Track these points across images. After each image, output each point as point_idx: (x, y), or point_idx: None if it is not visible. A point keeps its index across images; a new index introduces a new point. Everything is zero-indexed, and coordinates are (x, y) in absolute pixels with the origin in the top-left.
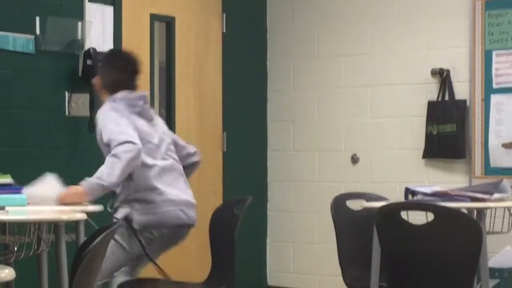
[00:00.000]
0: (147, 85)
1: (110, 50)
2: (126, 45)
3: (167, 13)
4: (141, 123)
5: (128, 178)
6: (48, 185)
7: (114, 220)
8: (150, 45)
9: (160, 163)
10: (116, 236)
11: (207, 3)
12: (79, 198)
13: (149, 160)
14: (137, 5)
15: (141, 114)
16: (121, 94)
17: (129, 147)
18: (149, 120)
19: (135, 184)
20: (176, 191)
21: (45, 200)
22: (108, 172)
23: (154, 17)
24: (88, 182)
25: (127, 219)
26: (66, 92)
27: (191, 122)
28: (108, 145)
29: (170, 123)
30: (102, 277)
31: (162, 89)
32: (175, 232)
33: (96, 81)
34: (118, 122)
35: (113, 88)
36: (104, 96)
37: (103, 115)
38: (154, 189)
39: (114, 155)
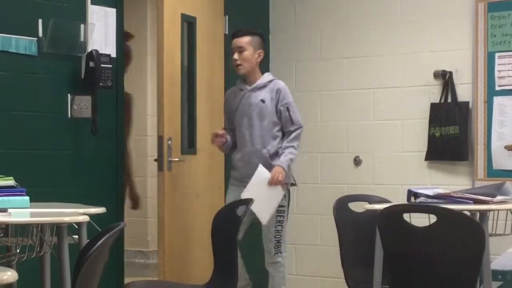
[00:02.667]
0: (178, 86)
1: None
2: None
3: (188, 12)
4: None
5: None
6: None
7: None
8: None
9: None
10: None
11: (210, 4)
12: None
13: None
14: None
15: None
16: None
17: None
18: None
19: None
20: None
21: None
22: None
23: (183, 17)
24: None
25: None
26: (69, 94)
27: (206, 121)
28: (290, 122)
29: (192, 122)
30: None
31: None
32: None
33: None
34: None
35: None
36: (256, 70)
37: (289, 93)
38: None
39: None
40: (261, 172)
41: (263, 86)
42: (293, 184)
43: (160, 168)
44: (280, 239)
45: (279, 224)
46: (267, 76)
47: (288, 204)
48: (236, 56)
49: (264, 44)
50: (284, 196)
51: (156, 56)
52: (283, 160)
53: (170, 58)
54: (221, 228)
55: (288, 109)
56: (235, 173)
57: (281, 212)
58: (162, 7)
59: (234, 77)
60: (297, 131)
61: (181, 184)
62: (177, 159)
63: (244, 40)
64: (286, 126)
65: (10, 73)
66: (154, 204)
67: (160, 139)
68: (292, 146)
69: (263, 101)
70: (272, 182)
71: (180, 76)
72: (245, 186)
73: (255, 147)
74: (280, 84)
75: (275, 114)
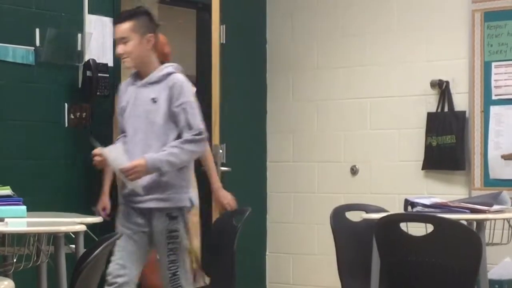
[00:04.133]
0: None
1: None
2: None
3: None
4: None
5: None
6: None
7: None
8: None
9: None
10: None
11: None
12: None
13: None
14: None
15: None
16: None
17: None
18: None
19: None
20: None
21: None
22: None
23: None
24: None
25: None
26: (66, 104)
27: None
28: (187, 127)
29: None
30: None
31: None
32: None
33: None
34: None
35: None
36: (149, 60)
37: (188, 90)
38: None
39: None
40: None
41: (157, 81)
42: (189, 208)
43: None
44: (177, 271)
45: (172, 253)
46: (166, 68)
47: (185, 228)
48: (119, 49)
49: (153, 24)
50: (176, 218)
51: None
52: (155, 156)
53: None
54: (218, 237)
55: (185, 111)
56: (123, 190)
57: (173, 238)
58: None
59: (232, 87)
60: (196, 137)
61: None
62: None
63: (125, 28)
64: (182, 132)
65: (7, 82)
66: None
67: None
68: (180, 148)
69: (154, 100)
70: (124, 172)
71: None
72: (133, 208)
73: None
74: (178, 78)
75: (169, 117)
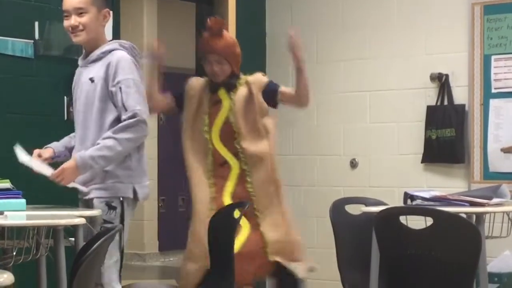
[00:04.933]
0: None
1: None
2: None
3: None
4: None
5: None
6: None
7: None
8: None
9: None
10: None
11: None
12: None
13: None
14: None
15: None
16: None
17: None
18: None
19: None
20: None
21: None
22: None
23: None
24: None
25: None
26: (65, 97)
27: None
28: (123, 108)
29: None
30: None
31: None
32: None
33: None
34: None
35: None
36: (99, 38)
37: (127, 67)
38: None
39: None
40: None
41: (97, 59)
42: (132, 200)
43: None
44: (102, 268)
45: None
46: (108, 45)
47: (122, 222)
48: (73, 20)
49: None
50: (115, 209)
51: None
52: (86, 154)
53: None
54: (218, 229)
55: (120, 90)
56: None
57: None
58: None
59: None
60: (130, 121)
61: None
62: None
63: None
64: (120, 115)
65: (6, 75)
66: (150, 206)
67: None
68: (114, 138)
69: (92, 79)
70: (54, 179)
71: None
72: (80, 200)
73: (83, 147)
74: (117, 55)
75: (107, 97)
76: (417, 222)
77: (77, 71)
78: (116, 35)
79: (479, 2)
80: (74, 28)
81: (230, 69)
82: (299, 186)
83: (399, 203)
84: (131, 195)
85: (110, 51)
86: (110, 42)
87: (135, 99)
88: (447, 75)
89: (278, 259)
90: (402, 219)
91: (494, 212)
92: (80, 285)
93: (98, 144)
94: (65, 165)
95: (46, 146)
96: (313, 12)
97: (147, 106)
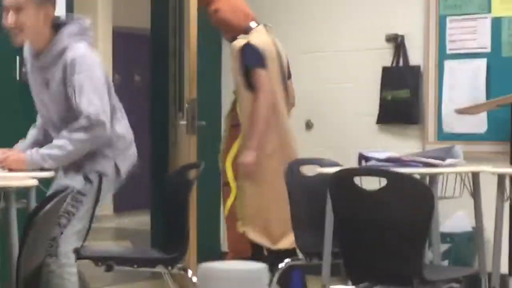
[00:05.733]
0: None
1: None
2: None
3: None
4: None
5: None
6: None
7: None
8: None
9: None
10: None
11: None
12: None
13: None
14: None
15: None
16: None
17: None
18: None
19: None
20: None
21: None
22: None
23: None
24: None
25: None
26: (18, 57)
27: None
28: (77, 110)
29: None
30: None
31: None
32: None
33: None
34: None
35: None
36: (43, 34)
37: (83, 63)
38: None
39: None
40: None
41: (52, 62)
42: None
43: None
44: (58, 237)
45: (65, 215)
46: (60, 42)
47: (96, 198)
48: (10, 19)
49: None
50: (90, 183)
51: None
52: (39, 152)
53: None
54: (172, 191)
55: (74, 91)
56: None
57: (76, 201)
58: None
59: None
60: (83, 123)
61: None
62: None
63: None
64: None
65: None
66: None
67: None
68: (67, 138)
69: (47, 85)
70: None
71: None
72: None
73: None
74: (72, 54)
75: (67, 102)
76: (371, 184)
77: (30, 65)
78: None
79: None
80: (10, 28)
81: (228, 35)
82: None
83: (355, 164)
84: (110, 171)
85: (63, 50)
86: (60, 36)
87: (88, 100)
88: (402, 36)
89: (245, 230)
90: (357, 180)
91: (447, 173)
92: (31, 247)
93: (51, 144)
94: (11, 153)
95: (13, 148)
96: None
97: (104, 101)
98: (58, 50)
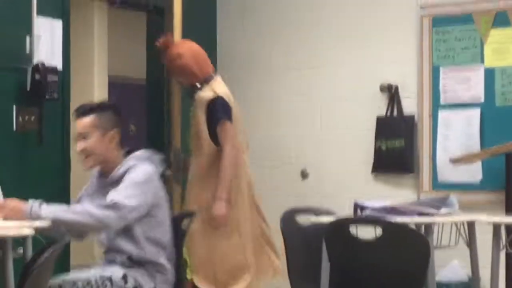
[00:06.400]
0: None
1: None
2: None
3: None
4: None
5: None
6: None
7: None
8: None
9: None
10: None
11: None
12: None
13: None
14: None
15: None
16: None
17: None
18: None
19: None
20: None
21: None
22: None
23: None
24: None
25: None
26: (14, 106)
27: None
28: None
29: None
30: None
31: None
32: None
33: None
34: None
35: None
36: (112, 157)
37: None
38: None
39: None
40: None
41: (118, 181)
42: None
43: None
44: None
45: None
46: (127, 162)
47: None
48: (79, 146)
49: (118, 119)
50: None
51: None
52: (46, 207)
53: None
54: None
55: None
56: None
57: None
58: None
59: (182, 89)
60: (108, 202)
61: None
62: None
63: (86, 123)
64: None
65: None
66: None
67: None
68: (87, 211)
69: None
70: None
71: None
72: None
73: None
74: (130, 173)
75: None
76: (367, 232)
77: (96, 186)
78: (65, 45)
79: (428, 15)
80: (79, 153)
81: (186, 81)
82: None
83: (350, 212)
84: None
85: (128, 168)
86: (128, 159)
87: (126, 193)
88: (396, 86)
89: (193, 278)
90: (353, 229)
91: (443, 223)
92: None
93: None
94: (14, 202)
95: None
96: (264, 21)
97: (140, 203)
98: (124, 169)
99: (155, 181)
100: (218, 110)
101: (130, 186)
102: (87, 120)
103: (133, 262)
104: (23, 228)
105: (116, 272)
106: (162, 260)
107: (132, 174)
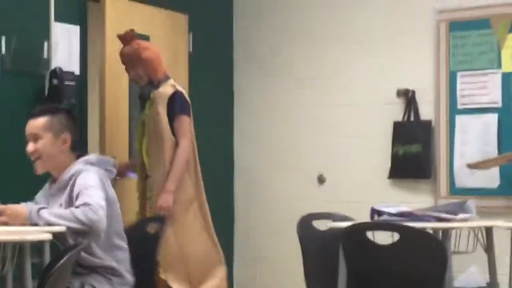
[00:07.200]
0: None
1: None
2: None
3: (140, 31)
4: None
5: None
6: None
7: None
8: None
9: None
10: None
11: (175, 22)
12: None
13: None
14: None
15: None
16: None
17: None
18: None
19: None
20: None
21: None
22: None
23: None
24: None
25: None
26: None
27: None
28: None
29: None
30: None
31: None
32: None
33: None
34: None
35: None
36: (62, 161)
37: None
38: None
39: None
40: None
41: (65, 186)
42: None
43: None
44: None
45: None
46: (74, 167)
47: None
48: (29, 147)
49: (72, 123)
50: None
51: (98, 75)
52: (41, 211)
53: (115, 77)
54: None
55: (77, 196)
56: None
57: None
58: (104, 27)
59: (200, 94)
60: (85, 205)
61: None
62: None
63: (38, 124)
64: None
65: None
66: None
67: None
68: (72, 213)
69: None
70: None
71: (128, 95)
72: None
73: None
74: (78, 179)
75: None
76: (384, 238)
77: (47, 194)
78: (83, 50)
79: (445, 20)
80: (29, 155)
81: (146, 75)
82: (266, 201)
83: (367, 218)
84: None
85: (73, 175)
86: (75, 164)
87: (89, 194)
88: (413, 91)
89: (166, 277)
90: (369, 234)
91: (460, 228)
92: None
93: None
94: (13, 207)
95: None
96: (281, 27)
97: (103, 209)
98: (70, 175)
99: (104, 183)
100: (177, 105)
101: (86, 190)
102: (40, 121)
103: (83, 267)
104: (41, 233)
105: (73, 282)
106: (114, 263)
107: (80, 181)
